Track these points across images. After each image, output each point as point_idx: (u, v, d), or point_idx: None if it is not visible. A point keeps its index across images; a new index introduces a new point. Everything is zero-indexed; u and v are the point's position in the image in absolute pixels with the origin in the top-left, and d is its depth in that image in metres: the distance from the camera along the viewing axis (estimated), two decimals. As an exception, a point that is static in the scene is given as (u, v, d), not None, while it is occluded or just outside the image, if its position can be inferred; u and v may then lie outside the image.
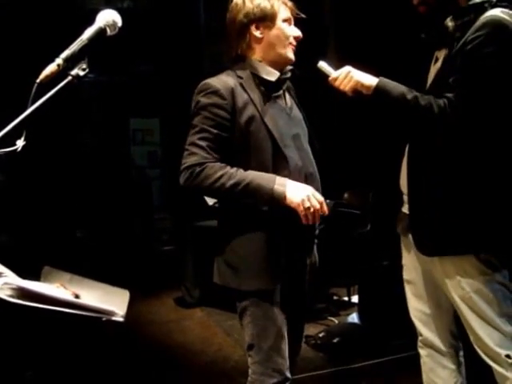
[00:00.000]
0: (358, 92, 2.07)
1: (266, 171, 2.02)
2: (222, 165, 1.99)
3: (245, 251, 2.06)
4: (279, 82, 2.18)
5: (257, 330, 2.07)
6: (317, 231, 2.22)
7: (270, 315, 2.05)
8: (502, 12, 1.95)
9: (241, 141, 2.04)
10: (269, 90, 2.14)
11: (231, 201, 2.07)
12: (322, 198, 2.00)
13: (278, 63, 2.16)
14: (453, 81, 1.94)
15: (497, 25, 1.92)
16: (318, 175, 2.20)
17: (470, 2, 2.02)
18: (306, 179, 2.11)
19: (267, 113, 2.08)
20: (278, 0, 2.16)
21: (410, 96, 1.97)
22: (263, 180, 1.96)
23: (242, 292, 2.07)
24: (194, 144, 2.02)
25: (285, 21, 2.14)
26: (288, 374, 2.09)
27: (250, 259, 2.05)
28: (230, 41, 2.20)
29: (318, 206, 1.96)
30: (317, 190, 2.11)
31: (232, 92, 2.05)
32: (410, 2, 2.13)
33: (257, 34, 2.13)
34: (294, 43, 2.17)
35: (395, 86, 2.01)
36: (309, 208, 1.94)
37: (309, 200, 1.95)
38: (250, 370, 2.11)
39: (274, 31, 2.13)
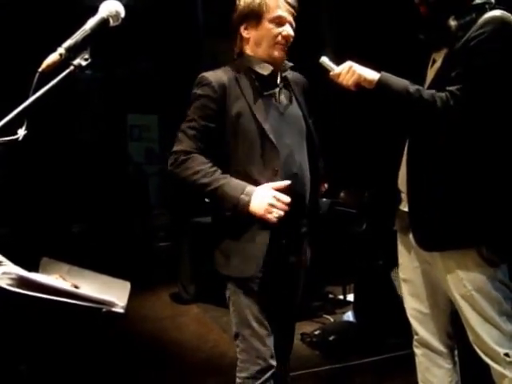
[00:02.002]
0: (360, 87, 2.07)
1: (255, 162, 2.09)
2: (205, 161, 2.07)
3: (231, 240, 2.13)
4: (273, 78, 2.20)
5: (238, 319, 2.14)
6: (304, 229, 2.25)
7: (247, 303, 2.11)
8: (502, 13, 1.98)
9: (230, 132, 2.10)
10: (263, 86, 2.16)
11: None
12: (287, 199, 2.03)
13: (268, 62, 2.18)
14: (455, 75, 1.96)
15: (500, 22, 1.95)
16: (307, 175, 2.22)
17: (472, 3, 2.03)
18: (292, 178, 2.13)
19: (258, 107, 2.12)
20: None
21: (412, 89, 1.98)
22: (232, 188, 2.03)
23: (225, 281, 2.17)
24: (183, 132, 2.12)
25: (273, 20, 2.14)
26: (272, 362, 2.12)
27: (235, 247, 2.12)
28: (230, 38, 2.26)
29: (283, 209, 2.02)
30: (305, 189, 2.18)
31: (224, 86, 2.11)
32: (412, 2, 2.13)
33: (244, 34, 2.19)
34: (283, 42, 2.16)
35: (397, 80, 2.03)
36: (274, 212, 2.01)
37: (273, 206, 2.01)
38: (238, 360, 2.16)
39: (260, 31, 2.16)
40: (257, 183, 2.07)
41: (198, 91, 2.12)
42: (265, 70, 2.16)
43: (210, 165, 2.06)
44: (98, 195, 7.72)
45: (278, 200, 2.01)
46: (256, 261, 2.08)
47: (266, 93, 2.17)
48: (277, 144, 2.09)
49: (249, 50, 2.20)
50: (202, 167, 2.04)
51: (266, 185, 2.05)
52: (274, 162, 2.09)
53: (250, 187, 2.03)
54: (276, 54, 2.16)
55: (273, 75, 2.19)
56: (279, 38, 2.15)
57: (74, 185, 7.48)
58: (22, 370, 1.75)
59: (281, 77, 2.23)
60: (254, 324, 2.11)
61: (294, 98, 2.26)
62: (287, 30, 2.15)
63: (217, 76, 2.14)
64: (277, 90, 2.21)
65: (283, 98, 2.22)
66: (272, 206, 2.00)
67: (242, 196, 2.00)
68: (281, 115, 2.18)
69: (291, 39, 2.18)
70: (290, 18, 2.17)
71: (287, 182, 2.07)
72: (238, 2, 2.21)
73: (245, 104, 2.11)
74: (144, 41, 7.97)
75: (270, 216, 2.00)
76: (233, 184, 2.03)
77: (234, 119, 2.09)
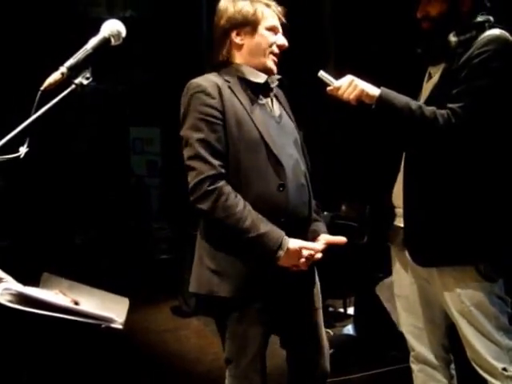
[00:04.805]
0: (360, 101, 2.04)
1: (260, 175, 2.00)
2: (234, 195, 1.96)
3: (232, 258, 2.01)
4: (266, 89, 2.14)
5: (235, 348, 2.06)
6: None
7: (249, 334, 2.03)
8: (501, 32, 2.01)
9: (231, 142, 2.00)
10: (256, 95, 2.10)
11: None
12: (313, 250, 2.02)
13: (260, 71, 2.12)
14: (457, 92, 1.97)
15: (503, 42, 1.98)
16: (309, 186, 2.16)
17: (474, 21, 2.06)
18: (293, 189, 2.07)
19: (256, 115, 2.04)
20: (265, 6, 2.11)
21: (414, 106, 1.97)
22: (269, 239, 1.95)
23: (223, 308, 2.05)
24: (195, 156, 1.98)
25: (269, 29, 2.10)
26: None
27: (238, 265, 2.00)
28: (214, 45, 2.16)
29: (306, 265, 2.01)
30: (308, 201, 2.12)
31: (218, 88, 2.02)
32: (414, 17, 2.15)
33: (237, 40, 2.10)
34: (276, 51, 2.12)
35: (398, 96, 2.02)
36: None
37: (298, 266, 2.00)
38: (226, 381, 2.11)
39: (256, 38, 2.09)
40: (259, 198, 1.99)
41: (194, 101, 1.99)
42: (259, 78, 2.10)
43: (241, 202, 1.95)
44: (100, 207, 7.74)
45: (306, 256, 1.99)
46: (258, 278, 2.00)
47: (260, 101, 2.11)
48: (280, 156, 2.03)
49: (239, 57, 2.12)
50: (237, 209, 1.93)
51: (298, 243, 1.99)
52: (280, 175, 2.02)
53: (284, 240, 1.96)
54: (269, 64, 2.11)
55: (265, 85, 2.12)
56: (274, 47, 2.11)
57: (76, 197, 7.51)
58: (23, 382, 1.76)
59: (270, 88, 2.16)
60: (253, 355, 2.03)
61: (283, 109, 2.21)
62: (282, 39, 2.13)
63: (208, 80, 2.04)
64: (268, 99, 2.15)
65: (277, 109, 2.17)
66: (297, 265, 1.99)
67: (280, 252, 1.94)
68: (278, 124, 2.12)
69: (283, 49, 2.14)
70: (281, 29, 2.15)
71: (318, 246, 2.07)
72: (224, 6, 2.12)
73: (243, 111, 2.02)
74: (147, 53, 8.03)
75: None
76: (270, 234, 1.94)
77: (234, 127, 1.99)
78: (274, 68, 2.14)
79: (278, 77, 2.18)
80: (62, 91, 1.56)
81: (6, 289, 1.37)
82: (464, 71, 1.98)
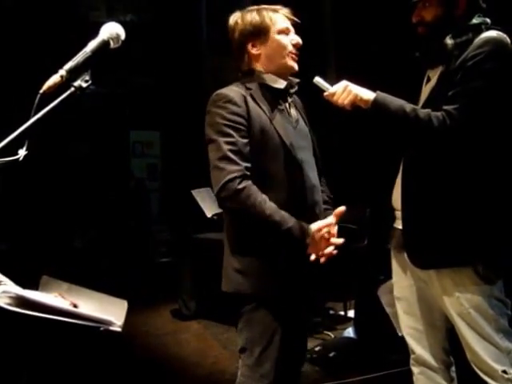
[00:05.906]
0: (355, 106, 2.06)
1: (278, 177, 2.07)
2: (259, 192, 2.00)
3: (253, 257, 2.07)
4: (285, 94, 2.20)
5: (250, 335, 2.09)
6: None
7: (264, 322, 2.06)
8: (498, 34, 2.02)
9: (256, 149, 2.06)
10: (276, 101, 2.16)
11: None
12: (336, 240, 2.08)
13: (282, 74, 2.18)
14: (452, 94, 1.98)
15: (498, 43, 1.98)
16: (319, 188, 2.23)
17: (469, 23, 2.07)
18: (311, 191, 2.14)
19: (277, 121, 2.11)
20: (272, 12, 2.18)
21: (408, 109, 1.99)
22: (298, 230, 1.99)
23: (242, 298, 2.09)
24: (224, 158, 2.01)
25: (281, 32, 2.16)
26: None
27: (258, 263, 2.06)
28: (234, 57, 2.25)
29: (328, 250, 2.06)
30: (318, 202, 2.19)
31: (245, 99, 2.08)
32: (409, 22, 2.16)
33: (253, 51, 2.17)
34: (294, 51, 2.18)
35: (393, 99, 2.03)
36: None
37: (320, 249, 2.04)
38: (239, 372, 2.13)
39: (270, 44, 2.16)
40: (283, 199, 2.04)
41: (221, 111, 2.05)
42: (280, 84, 2.17)
43: (267, 198, 2.00)
44: (100, 211, 7.75)
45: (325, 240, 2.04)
46: (280, 278, 2.06)
47: (280, 107, 2.17)
48: (299, 158, 2.10)
49: (260, 65, 2.19)
50: (266, 205, 1.98)
51: (319, 227, 2.03)
52: (299, 176, 2.10)
53: (308, 228, 2.01)
54: (290, 63, 2.16)
55: (284, 90, 2.19)
56: (290, 46, 2.16)
57: (76, 200, 7.51)
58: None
59: (289, 93, 2.22)
60: (267, 343, 2.06)
61: (299, 114, 2.27)
62: (295, 37, 2.19)
63: (234, 91, 2.10)
64: (286, 104, 2.21)
65: (294, 114, 2.23)
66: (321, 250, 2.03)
67: (308, 240, 2.00)
68: (294, 129, 2.18)
69: (298, 47, 2.19)
70: (292, 29, 2.21)
71: (331, 220, 2.10)
72: (234, 21, 2.20)
73: (266, 118, 2.08)
74: (146, 57, 8.04)
75: (313, 254, 2.03)
76: (298, 225, 2.00)
77: (258, 135, 2.05)
78: (295, 66, 2.19)
79: (297, 80, 2.24)
80: (62, 94, 1.56)
81: (5, 292, 1.36)
82: (459, 73, 1.99)
